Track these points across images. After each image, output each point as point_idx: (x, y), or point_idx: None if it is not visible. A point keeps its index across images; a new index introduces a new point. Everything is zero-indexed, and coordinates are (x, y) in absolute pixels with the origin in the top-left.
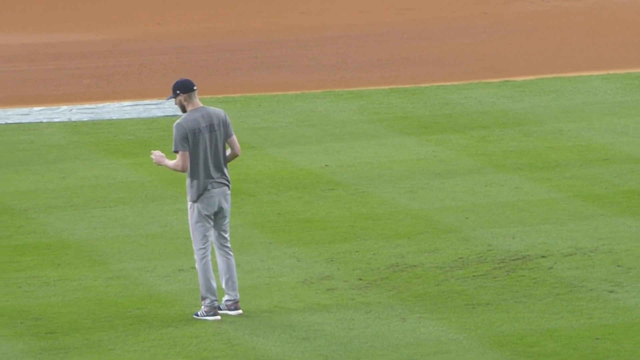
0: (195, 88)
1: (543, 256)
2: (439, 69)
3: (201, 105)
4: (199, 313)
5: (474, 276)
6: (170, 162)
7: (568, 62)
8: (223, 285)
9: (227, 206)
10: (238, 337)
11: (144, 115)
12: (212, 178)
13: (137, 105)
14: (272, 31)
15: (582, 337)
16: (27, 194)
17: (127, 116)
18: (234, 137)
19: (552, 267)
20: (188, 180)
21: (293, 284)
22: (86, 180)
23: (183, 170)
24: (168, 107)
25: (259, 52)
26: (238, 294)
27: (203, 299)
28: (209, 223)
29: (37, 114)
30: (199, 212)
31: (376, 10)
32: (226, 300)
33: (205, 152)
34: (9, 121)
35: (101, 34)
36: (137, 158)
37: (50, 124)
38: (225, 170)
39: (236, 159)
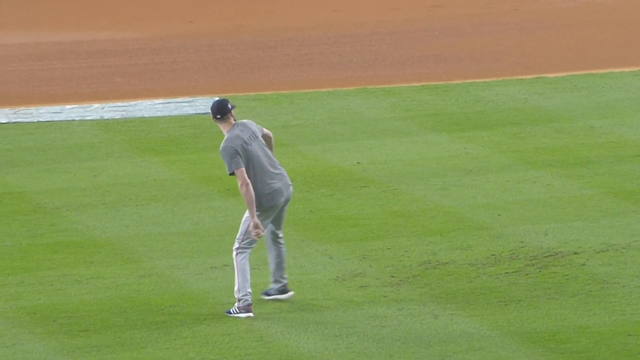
0: (227, 110)
1: (575, 253)
2: (470, 65)
3: (234, 121)
4: (231, 310)
5: (506, 273)
6: (247, 202)
7: (600, 58)
8: (271, 270)
9: (288, 199)
10: (270, 335)
11: (175, 113)
12: (273, 180)
13: (169, 103)
14: (304, 28)
15: (614, 334)
16: (59, 192)
17: (159, 114)
18: (265, 130)
19: (584, 264)
20: (258, 186)
21: (325, 281)
22: (118, 179)
23: (248, 185)
24: (200, 104)
25: (291, 49)
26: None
27: (237, 295)
28: (267, 220)
29: (69, 112)
30: (260, 218)
31: (407, 7)
32: (275, 287)
33: (260, 161)
34: (41, 119)
35: (133, 31)
36: (169, 156)
37: (82, 122)
38: (280, 167)
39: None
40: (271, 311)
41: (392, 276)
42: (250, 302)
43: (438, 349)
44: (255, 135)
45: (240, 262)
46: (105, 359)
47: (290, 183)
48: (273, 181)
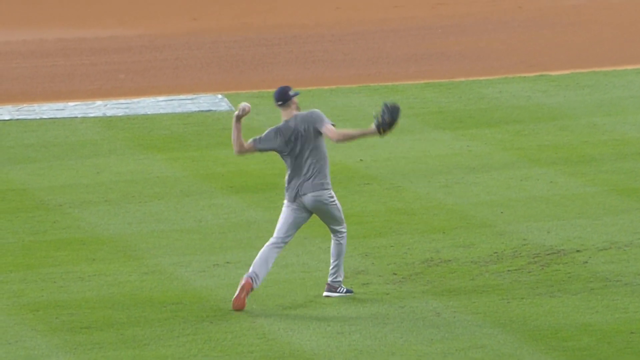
0: (288, 97)
1: (578, 250)
2: (473, 63)
3: (294, 113)
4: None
5: (508, 271)
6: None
7: (603, 56)
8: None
9: (323, 206)
10: (273, 332)
11: (178, 110)
12: (299, 182)
13: (172, 100)
14: (308, 26)
15: (617, 332)
16: (62, 189)
17: (162, 111)
18: (326, 127)
19: (587, 262)
20: (286, 179)
21: (328, 278)
22: (121, 176)
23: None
24: (203, 102)
25: (295, 46)
26: (339, 277)
27: (251, 270)
28: (298, 220)
29: (72, 109)
30: (288, 207)
31: (411, 4)
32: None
33: (295, 158)
34: (44, 116)
35: (137, 29)
36: (172, 153)
37: (85, 119)
38: (314, 176)
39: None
40: (273, 308)
41: (395, 274)
42: (252, 283)
43: (440, 346)
44: (299, 134)
45: (269, 252)
46: (107, 356)
47: (320, 196)
48: (292, 188)
